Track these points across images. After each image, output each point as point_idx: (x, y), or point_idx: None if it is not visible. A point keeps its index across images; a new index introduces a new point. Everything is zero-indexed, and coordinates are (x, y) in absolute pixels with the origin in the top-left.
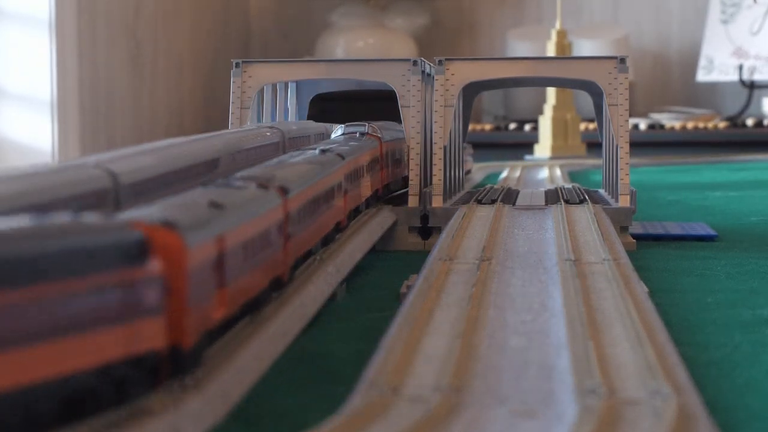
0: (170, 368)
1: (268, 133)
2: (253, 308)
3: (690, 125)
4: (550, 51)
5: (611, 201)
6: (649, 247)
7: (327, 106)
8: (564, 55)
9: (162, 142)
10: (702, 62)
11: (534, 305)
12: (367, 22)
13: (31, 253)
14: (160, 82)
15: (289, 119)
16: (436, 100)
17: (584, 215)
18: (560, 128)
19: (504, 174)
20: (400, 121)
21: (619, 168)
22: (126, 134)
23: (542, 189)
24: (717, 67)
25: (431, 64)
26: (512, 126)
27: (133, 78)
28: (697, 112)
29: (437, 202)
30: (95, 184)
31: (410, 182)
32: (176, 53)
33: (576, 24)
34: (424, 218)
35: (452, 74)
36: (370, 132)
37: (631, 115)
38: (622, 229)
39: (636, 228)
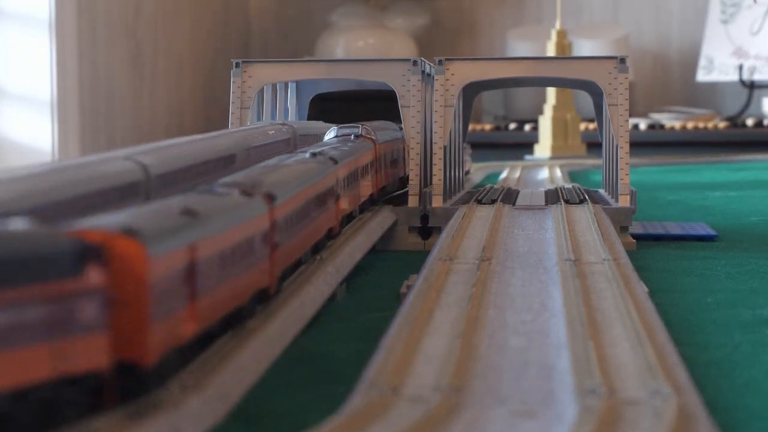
0: (126, 387)
1: (280, 130)
2: (236, 322)
3: (690, 125)
4: (550, 51)
5: (611, 201)
6: (649, 247)
7: (327, 106)
8: (564, 55)
9: (183, 138)
10: (702, 62)
11: (534, 305)
12: (367, 22)
13: None
14: (160, 82)
15: (289, 119)
16: (436, 100)
17: (584, 215)
18: (560, 128)
19: (504, 174)
20: (400, 121)
21: (619, 168)
22: (126, 134)
23: (542, 189)
24: (717, 67)
25: (431, 64)
26: (512, 126)
27: (133, 78)
28: (697, 112)
29: (437, 202)
30: (129, 176)
31: (410, 182)
32: (176, 53)
33: (576, 24)
34: (424, 218)
35: (452, 74)
36: (364, 134)
37: (631, 115)
38: (622, 229)
39: (636, 228)
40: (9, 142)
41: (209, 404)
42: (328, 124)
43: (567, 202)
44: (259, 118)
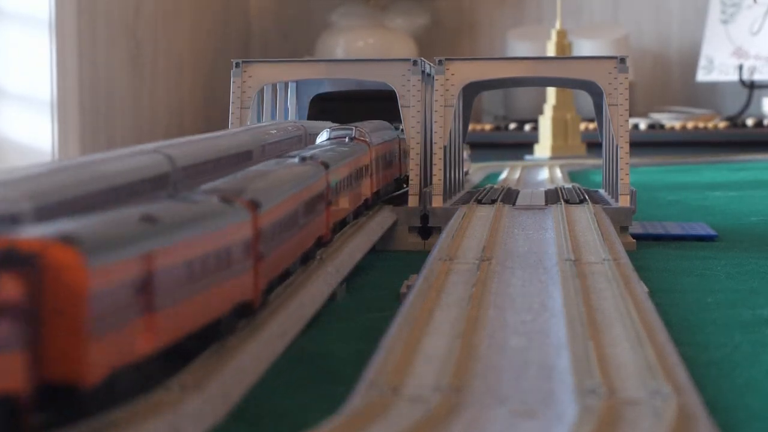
0: (62, 410)
1: (294, 128)
2: (214, 338)
3: (690, 125)
4: (550, 51)
5: (611, 201)
6: (649, 247)
7: (327, 106)
8: (564, 55)
9: (203, 135)
10: (702, 62)
11: (534, 305)
12: (367, 22)
13: None
14: (160, 82)
15: (289, 119)
16: (436, 100)
17: (584, 215)
18: (560, 128)
19: (504, 174)
20: (400, 122)
21: (619, 168)
22: (126, 134)
23: (542, 189)
24: (717, 67)
25: (431, 64)
26: (512, 126)
27: (133, 78)
28: (697, 112)
29: (437, 202)
30: (157, 168)
31: (410, 182)
32: (176, 53)
33: (576, 24)
34: (424, 218)
35: (452, 74)
36: (357, 136)
37: (631, 115)
38: (622, 229)
39: (636, 228)
40: (9, 142)
41: (209, 404)
42: (336, 125)
43: (567, 202)
44: (259, 118)
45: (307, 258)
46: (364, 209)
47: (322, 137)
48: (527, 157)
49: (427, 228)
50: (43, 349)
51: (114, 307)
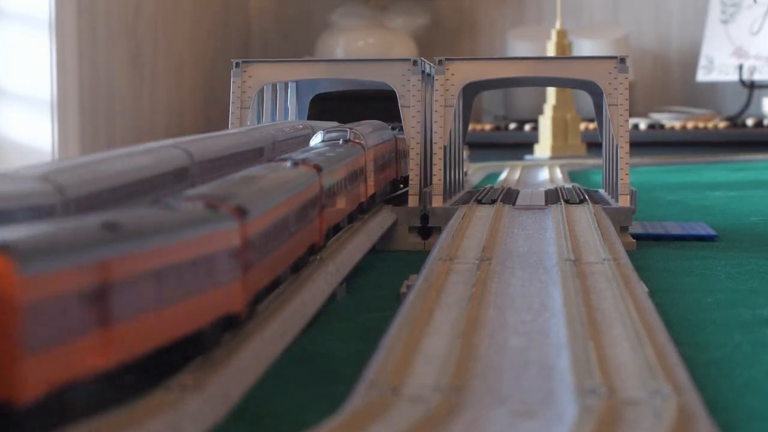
0: None
1: (300, 126)
2: (196, 351)
3: (690, 125)
4: (550, 51)
5: (611, 201)
6: (649, 247)
7: (327, 106)
8: (564, 55)
9: (218, 133)
10: (702, 62)
11: (534, 305)
12: (367, 22)
13: None
14: (160, 82)
15: (289, 119)
16: (436, 100)
17: (584, 215)
18: (560, 128)
19: (504, 174)
20: (400, 121)
21: (619, 168)
22: (126, 134)
23: (542, 189)
24: (717, 67)
25: (431, 64)
26: (512, 126)
27: (133, 78)
28: (697, 112)
29: (437, 202)
30: (178, 162)
31: (410, 182)
32: (176, 53)
33: (576, 24)
34: (424, 218)
35: (452, 74)
36: (352, 138)
37: (631, 115)
38: (622, 229)
39: (636, 228)
40: (9, 142)
41: (209, 404)
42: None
43: (567, 202)
44: (259, 118)
45: (299, 266)
46: (360, 213)
47: (316, 139)
48: (527, 157)
49: (427, 228)
50: None
51: (57, 319)
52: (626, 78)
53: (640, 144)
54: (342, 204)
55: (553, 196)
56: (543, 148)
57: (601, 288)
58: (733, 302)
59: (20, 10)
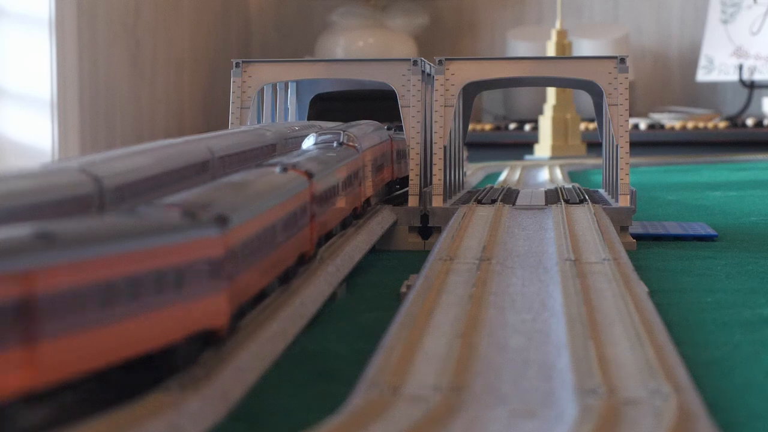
0: None
1: (312, 127)
2: (163, 371)
3: (690, 125)
4: (550, 51)
5: (611, 201)
6: (649, 247)
7: (327, 106)
8: (564, 55)
9: (233, 129)
10: (702, 62)
11: (534, 305)
12: (367, 22)
13: None
14: (160, 82)
15: (289, 119)
16: (436, 100)
17: (584, 215)
18: (560, 128)
19: (504, 174)
20: (400, 121)
21: (619, 168)
22: (126, 134)
23: (542, 189)
24: (717, 67)
25: (431, 64)
26: (512, 126)
27: (133, 78)
28: (697, 112)
29: (437, 202)
30: (201, 156)
31: (410, 182)
32: (176, 53)
33: (576, 24)
34: (424, 218)
35: (452, 74)
36: (345, 141)
37: (631, 115)
38: (622, 229)
39: (636, 228)
40: (9, 142)
41: (209, 403)
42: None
43: (567, 202)
44: (259, 118)
45: (287, 277)
46: (353, 219)
47: (309, 142)
48: (527, 157)
49: (427, 228)
50: None
51: None
52: (626, 78)
53: (640, 144)
54: (335, 210)
55: (553, 196)
56: (543, 148)
57: (601, 288)
58: (733, 302)
59: (20, 9)
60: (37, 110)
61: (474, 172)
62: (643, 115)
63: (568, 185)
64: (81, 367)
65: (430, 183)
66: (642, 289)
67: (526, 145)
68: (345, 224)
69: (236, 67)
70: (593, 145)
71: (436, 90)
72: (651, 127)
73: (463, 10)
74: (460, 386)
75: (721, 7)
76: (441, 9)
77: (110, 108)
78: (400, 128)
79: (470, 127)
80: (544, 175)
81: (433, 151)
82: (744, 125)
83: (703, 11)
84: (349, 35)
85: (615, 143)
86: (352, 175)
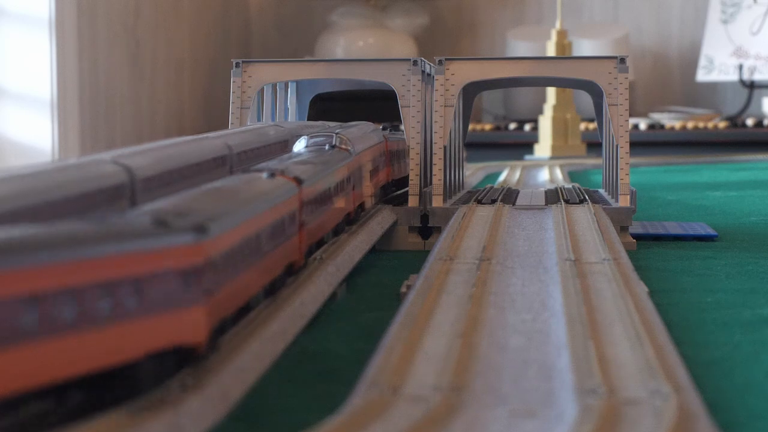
0: None
1: (319, 125)
2: (122, 391)
3: (690, 125)
4: (550, 51)
5: (611, 201)
6: (649, 247)
7: (327, 106)
8: (564, 54)
9: (249, 126)
10: (702, 62)
11: (534, 305)
12: (367, 22)
13: None
14: (160, 82)
15: (289, 119)
16: (436, 100)
17: (584, 215)
18: (560, 128)
19: (504, 174)
20: (400, 121)
21: (619, 168)
22: (126, 134)
23: (542, 189)
24: (717, 67)
25: (431, 64)
26: (512, 126)
27: (133, 78)
28: (697, 112)
29: (437, 202)
30: (220, 151)
31: (410, 182)
32: (176, 53)
33: (576, 24)
34: (424, 218)
35: (452, 74)
36: (338, 144)
37: (631, 115)
38: (622, 229)
39: (636, 228)
40: (9, 142)
41: (209, 403)
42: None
43: (567, 202)
44: (259, 118)
45: (274, 289)
46: (346, 225)
47: (300, 144)
48: (527, 157)
49: (427, 228)
50: None
51: None
52: (626, 78)
53: (640, 144)
54: (326, 217)
55: (553, 196)
56: (543, 148)
57: (601, 288)
58: (733, 302)
59: (20, 9)
60: (37, 110)
61: (474, 172)
62: (643, 115)
63: (568, 185)
64: (12, 386)
65: (430, 183)
66: (642, 289)
67: (526, 145)
68: (338, 231)
69: (236, 67)
70: (593, 145)
71: (436, 90)
72: (651, 127)
73: (463, 10)
74: (460, 386)
75: (721, 7)
76: (441, 9)
77: (110, 108)
78: (395, 127)
79: (470, 127)
80: (544, 175)
81: (433, 151)
82: (744, 125)
83: (703, 11)
84: (349, 35)
85: (615, 143)
86: (345, 179)
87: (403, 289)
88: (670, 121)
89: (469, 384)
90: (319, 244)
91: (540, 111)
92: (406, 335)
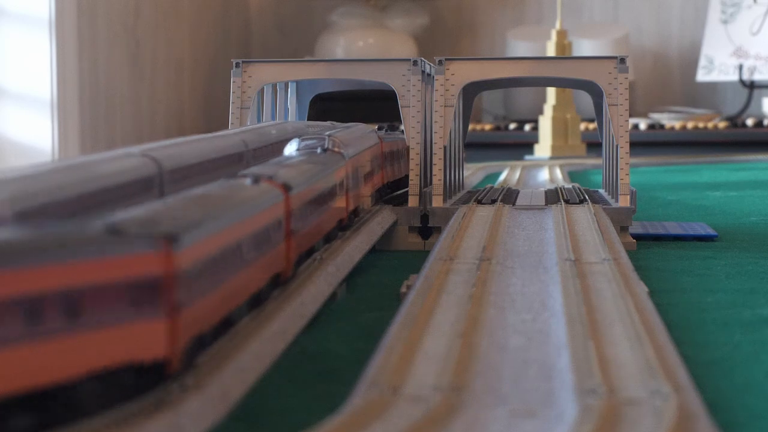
0: None
1: (324, 125)
2: (62, 416)
3: (690, 125)
4: (550, 51)
5: (611, 201)
6: (649, 247)
7: (327, 106)
8: (564, 55)
9: (262, 124)
10: (702, 62)
11: (534, 305)
12: (367, 22)
13: None
14: (160, 82)
15: (289, 119)
16: (436, 100)
17: (584, 215)
18: (560, 128)
19: (504, 174)
20: (400, 121)
21: (619, 168)
22: (126, 134)
23: (542, 189)
24: (717, 67)
25: (431, 64)
26: (512, 126)
27: (133, 78)
28: (697, 112)
29: (437, 202)
30: (237, 148)
31: (410, 182)
32: (176, 53)
33: (576, 24)
34: (424, 218)
35: (452, 74)
36: (330, 147)
37: (631, 115)
38: (622, 229)
39: (636, 228)
40: (9, 142)
41: (209, 404)
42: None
43: (567, 202)
44: (259, 118)
45: (258, 301)
46: (338, 231)
47: (291, 147)
48: (527, 157)
49: (427, 228)
50: None
51: None
52: (626, 78)
53: (640, 144)
54: (317, 225)
55: (553, 196)
56: (543, 148)
57: (601, 288)
58: (733, 302)
59: (20, 9)
60: (37, 110)
61: (474, 172)
62: (643, 115)
63: (568, 185)
64: None
65: (430, 183)
66: (642, 289)
67: (526, 145)
68: (329, 238)
69: (236, 67)
70: (593, 145)
71: (436, 90)
72: (651, 127)
73: (463, 10)
74: (460, 386)
75: (721, 7)
76: (441, 9)
77: (110, 108)
78: (392, 127)
79: (470, 127)
80: (544, 175)
81: (433, 151)
82: (744, 125)
83: (703, 11)
84: (349, 35)
85: (615, 143)
86: (338, 184)
87: (403, 289)
88: (670, 121)
89: (469, 384)
90: (310, 252)
91: (540, 111)
92: (406, 335)
